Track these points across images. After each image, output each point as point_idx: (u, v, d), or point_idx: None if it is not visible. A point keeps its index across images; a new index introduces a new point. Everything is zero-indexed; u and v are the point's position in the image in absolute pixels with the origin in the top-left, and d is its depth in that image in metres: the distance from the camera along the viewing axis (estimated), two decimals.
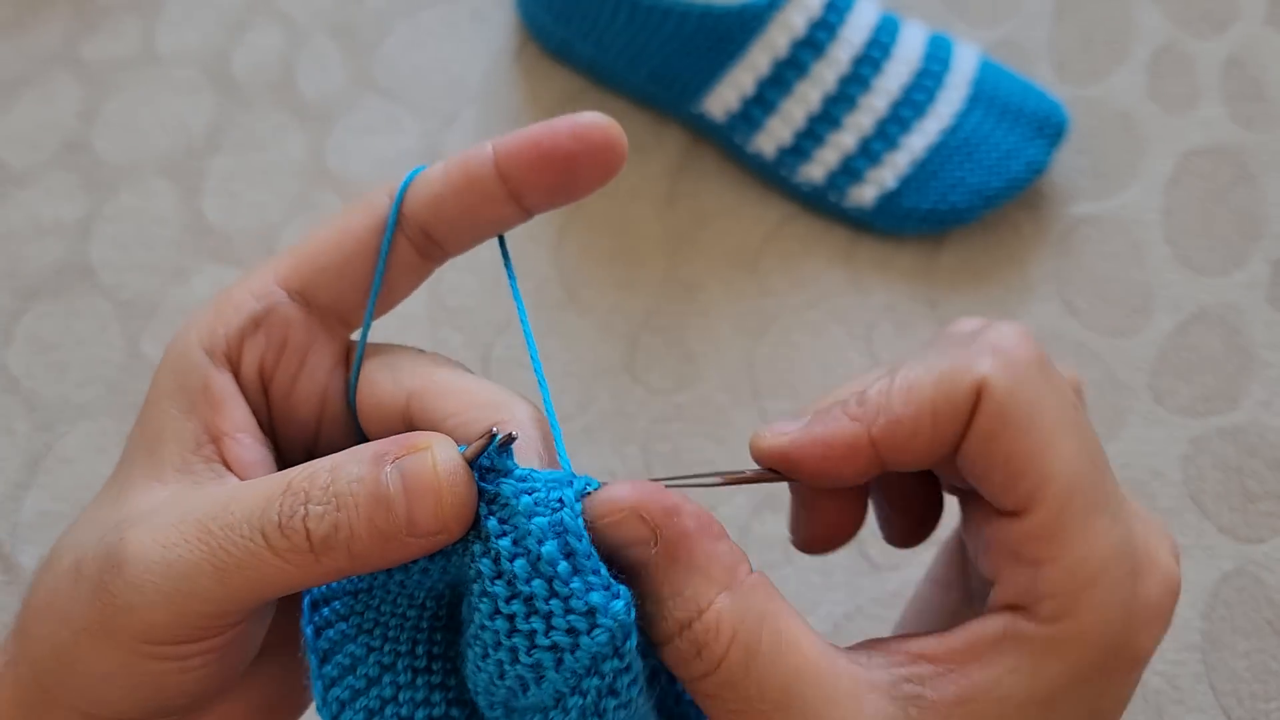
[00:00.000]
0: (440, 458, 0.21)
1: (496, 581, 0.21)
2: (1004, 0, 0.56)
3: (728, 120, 0.50)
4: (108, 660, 0.22)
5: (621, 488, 0.22)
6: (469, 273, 0.50)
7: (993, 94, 0.49)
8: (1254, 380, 0.47)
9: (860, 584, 0.44)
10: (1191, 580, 0.43)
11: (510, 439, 0.21)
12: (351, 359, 0.26)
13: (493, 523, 0.21)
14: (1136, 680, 0.24)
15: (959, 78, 0.49)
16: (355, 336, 0.27)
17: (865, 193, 0.49)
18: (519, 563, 0.21)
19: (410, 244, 0.26)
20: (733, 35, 0.47)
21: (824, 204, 0.50)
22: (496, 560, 0.21)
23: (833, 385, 0.47)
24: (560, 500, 0.21)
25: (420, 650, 0.24)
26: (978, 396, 0.23)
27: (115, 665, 0.22)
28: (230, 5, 0.56)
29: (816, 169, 0.49)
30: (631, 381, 0.47)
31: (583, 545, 0.21)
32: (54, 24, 0.56)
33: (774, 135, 0.49)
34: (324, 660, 0.23)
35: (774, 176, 0.50)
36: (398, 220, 0.25)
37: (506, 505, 0.21)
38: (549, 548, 0.21)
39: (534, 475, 0.22)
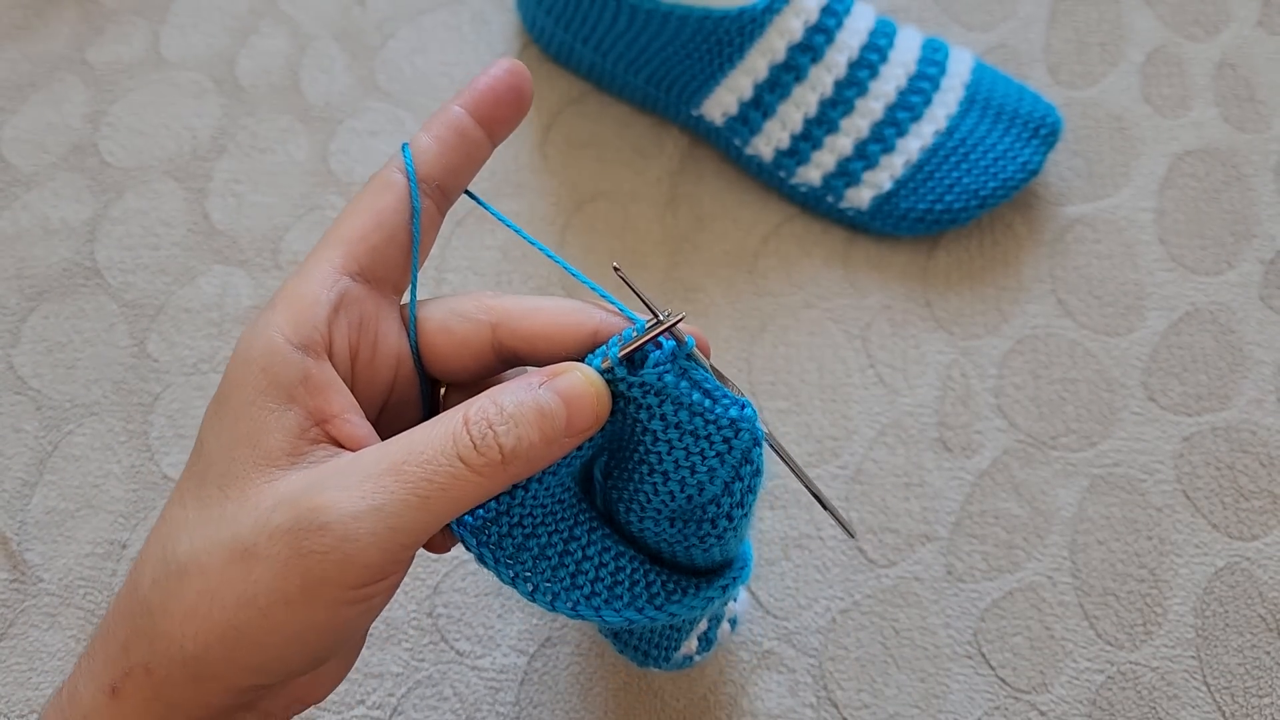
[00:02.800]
0: (589, 374, 0.28)
1: (668, 430, 0.29)
2: (998, 4, 0.56)
3: (726, 124, 0.50)
4: (304, 620, 0.25)
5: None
6: (472, 273, 0.50)
7: (987, 97, 0.50)
8: (1246, 378, 0.47)
9: (856, 580, 0.44)
10: (1185, 577, 0.44)
11: (681, 345, 0.28)
12: (405, 319, 0.31)
13: (652, 398, 0.28)
14: None
15: (954, 81, 0.50)
16: (404, 300, 0.31)
17: (862, 195, 0.49)
18: (681, 413, 0.28)
19: (431, 202, 0.31)
20: (731, 40, 0.48)
21: (821, 206, 0.51)
22: (663, 418, 0.29)
23: (829, 384, 0.48)
24: (675, 359, 0.28)
25: (584, 516, 0.31)
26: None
27: (311, 623, 0.26)
28: (235, 10, 0.57)
29: (813, 171, 0.50)
30: None
31: (709, 383, 0.29)
32: (61, 28, 0.56)
33: (772, 138, 0.50)
34: (509, 564, 0.29)
35: (772, 179, 0.51)
36: (421, 187, 0.30)
37: (650, 385, 0.28)
38: (689, 395, 0.28)
39: (654, 354, 0.28)
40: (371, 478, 0.25)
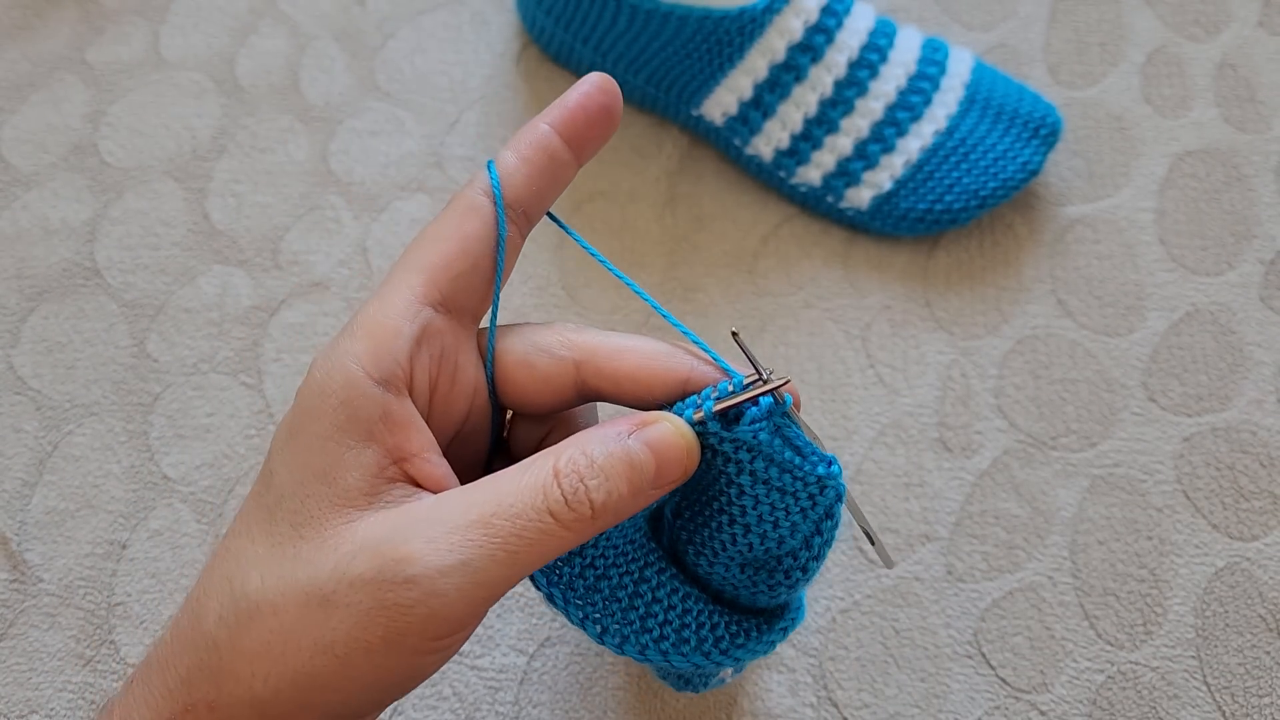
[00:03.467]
0: (680, 426, 0.27)
1: (756, 485, 0.28)
2: (999, 4, 0.56)
3: (726, 124, 0.50)
4: (383, 669, 0.25)
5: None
6: None
7: (987, 97, 0.50)
8: (1246, 379, 0.47)
9: (857, 580, 0.44)
10: (1185, 577, 0.44)
11: (778, 399, 0.28)
12: (481, 348, 0.30)
13: (744, 454, 0.28)
14: None
15: (954, 81, 0.50)
16: (482, 325, 0.31)
17: (861, 195, 0.49)
18: (771, 470, 0.28)
19: (514, 228, 0.30)
20: (731, 39, 0.48)
21: (821, 206, 0.51)
22: (752, 473, 0.28)
23: (829, 385, 0.48)
24: (771, 417, 0.28)
25: (653, 558, 0.31)
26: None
27: (389, 671, 0.25)
28: (235, 10, 0.57)
29: (813, 171, 0.50)
30: None
31: (800, 439, 0.28)
32: (61, 28, 0.56)
33: (771, 138, 0.50)
34: (579, 605, 0.29)
35: (771, 179, 0.51)
36: (506, 211, 0.29)
37: (743, 441, 0.28)
38: (781, 452, 0.28)
39: (749, 409, 0.28)
40: (459, 530, 0.25)
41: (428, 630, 0.24)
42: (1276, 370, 0.48)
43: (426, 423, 0.28)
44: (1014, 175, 0.49)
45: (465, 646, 0.43)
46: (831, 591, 0.44)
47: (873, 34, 0.49)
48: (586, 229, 0.51)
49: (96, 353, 0.49)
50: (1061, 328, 0.49)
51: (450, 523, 0.25)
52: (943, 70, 0.50)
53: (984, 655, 0.43)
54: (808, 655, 0.43)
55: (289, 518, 0.26)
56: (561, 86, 0.54)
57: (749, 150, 0.50)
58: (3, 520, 0.45)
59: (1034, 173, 0.49)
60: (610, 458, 0.26)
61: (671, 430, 0.27)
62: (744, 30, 0.47)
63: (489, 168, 0.29)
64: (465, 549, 0.24)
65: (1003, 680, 0.42)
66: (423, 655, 0.25)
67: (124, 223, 0.51)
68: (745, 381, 0.28)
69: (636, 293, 0.30)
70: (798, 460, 0.28)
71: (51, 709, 0.42)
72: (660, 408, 0.28)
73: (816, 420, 0.47)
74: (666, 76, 0.50)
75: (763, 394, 0.27)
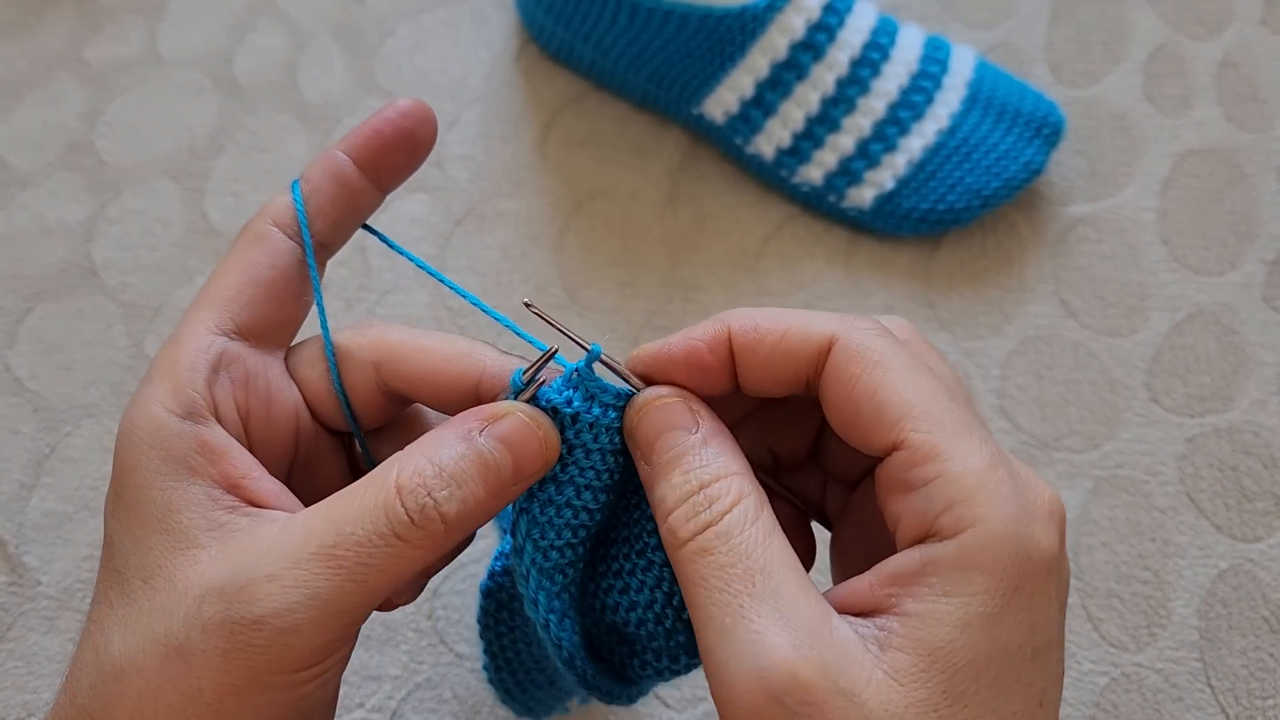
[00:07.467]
0: (532, 414, 0.25)
1: (590, 455, 0.27)
2: (1000, 3, 0.56)
3: (727, 122, 0.50)
4: (259, 706, 0.24)
5: (663, 387, 0.26)
6: (471, 273, 0.50)
7: (990, 96, 0.50)
8: (1249, 379, 0.47)
9: None
10: (1188, 579, 0.44)
11: (550, 356, 0.26)
12: (290, 369, 0.29)
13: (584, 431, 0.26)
14: (1059, 594, 0.24)
15: (956, 80, 0.50)
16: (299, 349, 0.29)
17: (863, 194, 0.49)
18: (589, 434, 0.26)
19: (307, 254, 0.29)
20: (732, 38, 0.47)
21: (823, 205, 0.50)
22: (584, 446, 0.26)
23: None
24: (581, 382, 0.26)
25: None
26: (829, 345, 0.25)
27: (267, 708, 0.24)
28: (233, 7, 0.56)
29: (815, 170, 0.49)
30: None
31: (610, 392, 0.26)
32: (58, 26, 0.56)
33: (773, 137, 0.49)
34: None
35: (773, 178, 0.51)
36: (297, 238, 0.28)
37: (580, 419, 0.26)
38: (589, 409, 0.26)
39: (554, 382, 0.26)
40: (301, 564, 0.23)
41: (290, 664, 0.23)
42: (1279, 370, 0.48)
43: (252, 451, 0.27)
44: (1017, 174, 0.48)
45: (465, 649, 0.43)
46: None
47: (875, 32, 0.49)
48: (587, 228, 0.51)
49: (94, 354, 0.48)
50: (1064, 328, 0.48)
51: (292, 556, 0.23)
52: (945, 69, 0.50)
53: None
54: None
55: (138, 573, 0.25)
56: (561, 85, 0.54)
57: (750, 149, 0.50)
58: (1, 523, 0.45)
59: (1037, 172, 0.49)
60: (461, 461, 0.24)
61: (524, 422, 0.25)
62: (745, 28, 0.47)
63: (293, 188, 0.28)
64: (311, 583, 0.23)
65: None
66: (296, 687, 0.24)
67: (121, 222, 0.51)
68: (525, 370, 0.26)
69: (459, 292, 0.29)
70: (597, 411, 0.26)
71: None
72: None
73: None
74: (668, 75, 0.50)
75: (544, 362, 0.26)
